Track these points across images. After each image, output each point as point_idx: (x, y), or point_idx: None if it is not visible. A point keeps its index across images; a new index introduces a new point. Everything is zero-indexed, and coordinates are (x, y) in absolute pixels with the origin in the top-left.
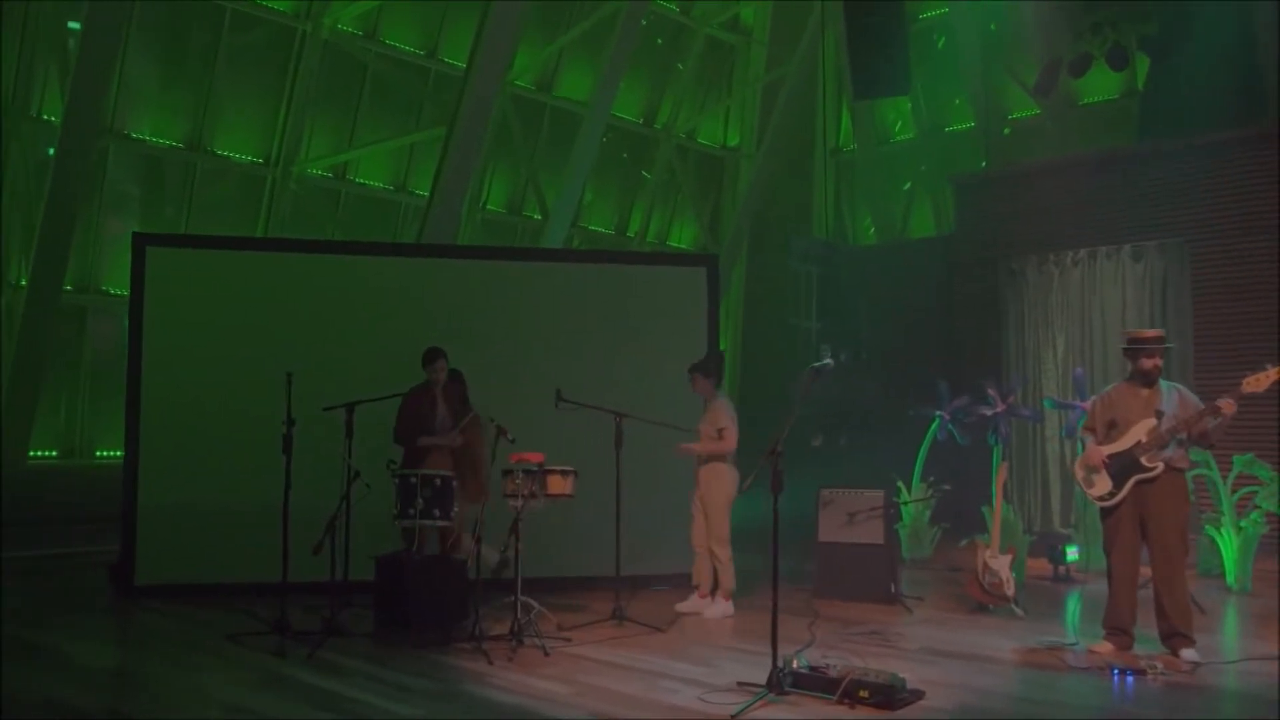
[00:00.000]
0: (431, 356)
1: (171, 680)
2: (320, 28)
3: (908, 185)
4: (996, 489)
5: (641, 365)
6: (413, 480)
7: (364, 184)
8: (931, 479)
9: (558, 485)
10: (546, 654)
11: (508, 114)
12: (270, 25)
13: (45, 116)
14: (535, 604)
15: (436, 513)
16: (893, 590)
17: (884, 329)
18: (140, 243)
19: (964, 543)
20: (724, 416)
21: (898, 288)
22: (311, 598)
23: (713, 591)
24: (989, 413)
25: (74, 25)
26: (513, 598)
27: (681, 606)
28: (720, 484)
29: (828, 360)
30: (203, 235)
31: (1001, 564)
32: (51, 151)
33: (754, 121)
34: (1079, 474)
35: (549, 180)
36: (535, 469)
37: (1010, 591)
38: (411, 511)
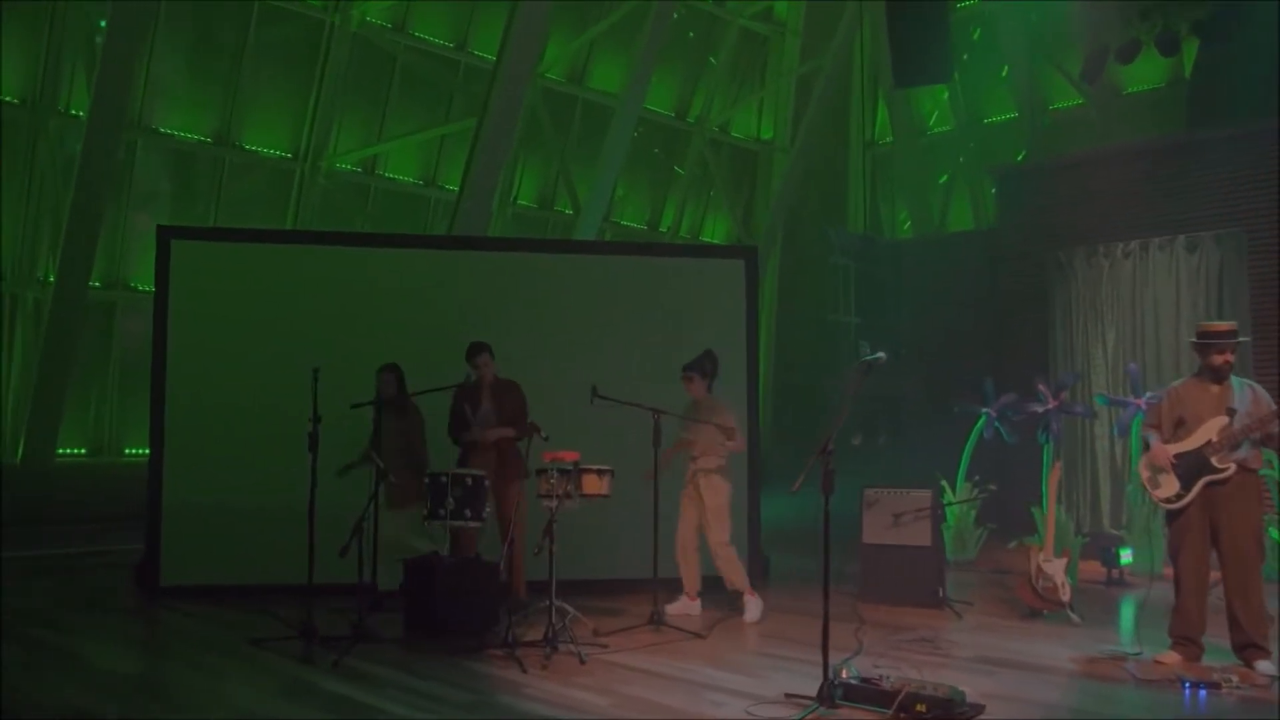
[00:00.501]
0: (472, 351)
1: (193, 686)
2: (349, 20)
3: (944, 178)
4: (1049, 489)
5: (678, 360)
6: (443, 479)
7: (393, 178)
8: (976, 478)
9: (594, 485)
10: (583, 662)
11: (538, 107)
12: (299, 18)
13: (74, 112)
14: (570, 608)
15: (468, 513)
16: (940, 594)
17: (923, 324)
18: (165, 236)
19: (1013, 545)
20: (728, 416)
21: (937, 282)
22: (338, 600)
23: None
24: (1040, 410)
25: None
26: (547, 602)
27: (672, 608)
28: (724, 484)
29: (879, 354)
30: (228, 228)
31: (1056, 568)
32: (80, 148)
33: (788, 114)
34: (1144, 474)
35: (580, 174)
36: (570, 468)
37: (1065, 597)
38: (442, 512)
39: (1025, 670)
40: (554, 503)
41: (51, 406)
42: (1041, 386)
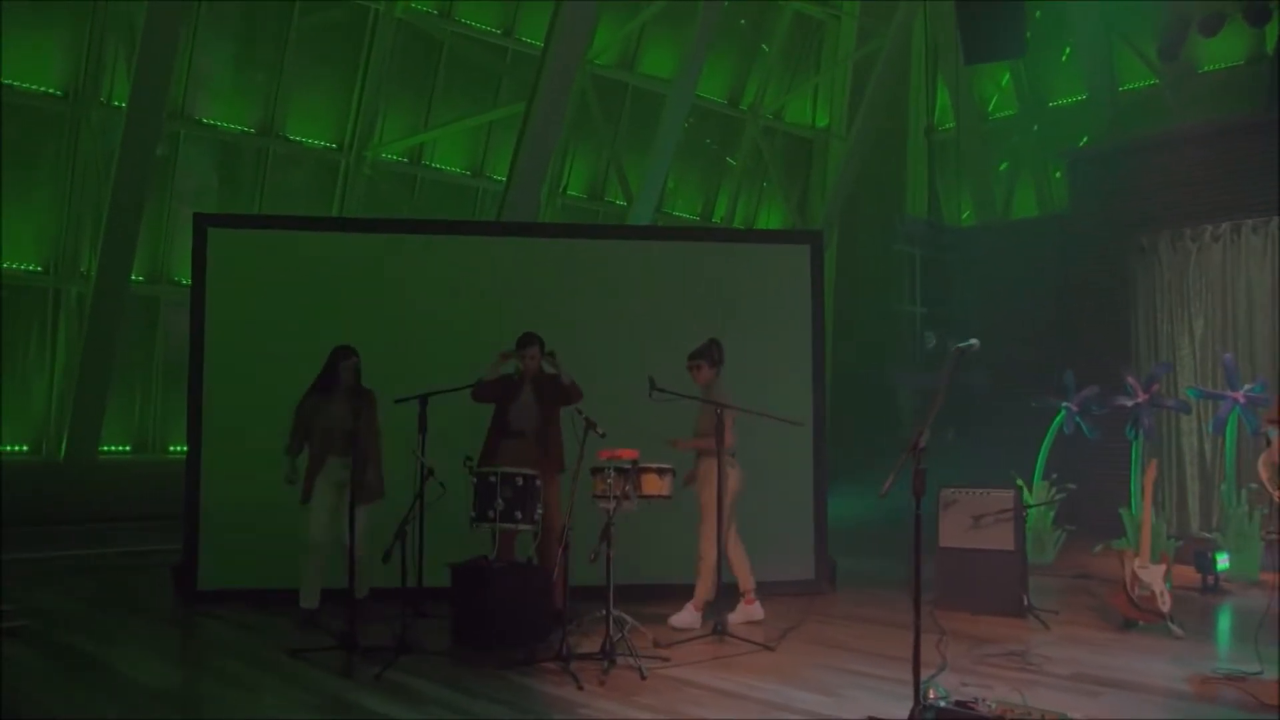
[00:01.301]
0: (524, 342)
1: (224, 702)
2: (394, 7)
3: (1004, 166)
4: (1145, 490)
5: (741, 351)
6: (492, 479)
7: (440, 169)
8: (1054, 476)
9: (653, 485)
10: (643, 677)
11: (587, 94)
12: (343, 5)
13: (116, 103)
14: (628, 618)
15: (518, 515)
16: (1024, 602)
17: (991, 314)
18: (201, 224)
19: (1098, 548)
20: (729, 413)
21: (1005, 270)
22: (382, 605)
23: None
24: (1128, 404)
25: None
26: (602, 611)
27: (734, 617)
28: (715, 483)
29: (973, 341)
30: (267, 215)
31: (1154, 575)
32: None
33: (844, 100)
34: (1263, 473)
35: (630, 164)
36: (628, 467)
37: (1165, 607)
38: (490, 514)
39: (1133, 691)
40: (611, 504)
41: (93, 403)
42: (1130, 379)
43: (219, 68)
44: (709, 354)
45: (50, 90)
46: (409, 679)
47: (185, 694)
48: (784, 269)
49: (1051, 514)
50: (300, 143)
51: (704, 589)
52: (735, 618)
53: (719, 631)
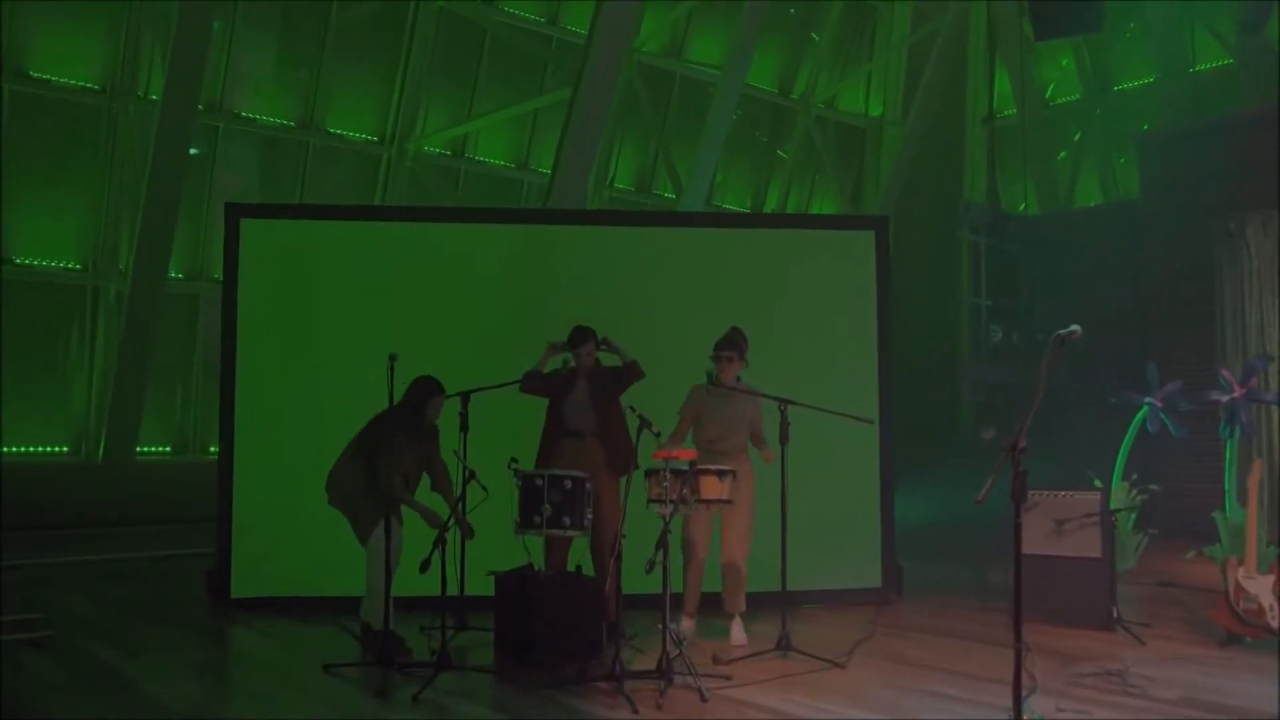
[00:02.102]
0: (577, 339)
1: None
2: None
3: (1063, 155)
4: (1250, 492)
5: (802, 343)
6: (539, 482)
7: (484, 161)
8: (1134, 477)
9: (713, 488)
10: (704, 699)
11: (635, 83)
12: None
13: (154, 97)
14: (686, 632)
15: (566, 520)
16: (1114, 614)
17: (1060, 305)
18: (233, 215)
19: (1189, 555)
20: (757, 407)
21: (1075, 260)
22: (421, 616)
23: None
24: (1222, 399)
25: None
26: (658, 625)
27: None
28: (751, 487)
29: (1074, 327)
30: (301, 204)
31: (1261, 587)
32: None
33: (899, 87)
34: None
35: (678, 155)
36: (686, 468)
37: (1276, 622)
38: (537, 519)
39: None
40: (668, 509)
41: (130, 403)
42: (1225, 373)
43: (258, 60)
44: (740, 345)
45: (87, 84)
46: (449, 699)
47: (208, 714)
48: (846, 257)
49: (1133, 517)
50: (341, 136)
51: (743, 598)
52: (686, 630)
53: (783, 647)
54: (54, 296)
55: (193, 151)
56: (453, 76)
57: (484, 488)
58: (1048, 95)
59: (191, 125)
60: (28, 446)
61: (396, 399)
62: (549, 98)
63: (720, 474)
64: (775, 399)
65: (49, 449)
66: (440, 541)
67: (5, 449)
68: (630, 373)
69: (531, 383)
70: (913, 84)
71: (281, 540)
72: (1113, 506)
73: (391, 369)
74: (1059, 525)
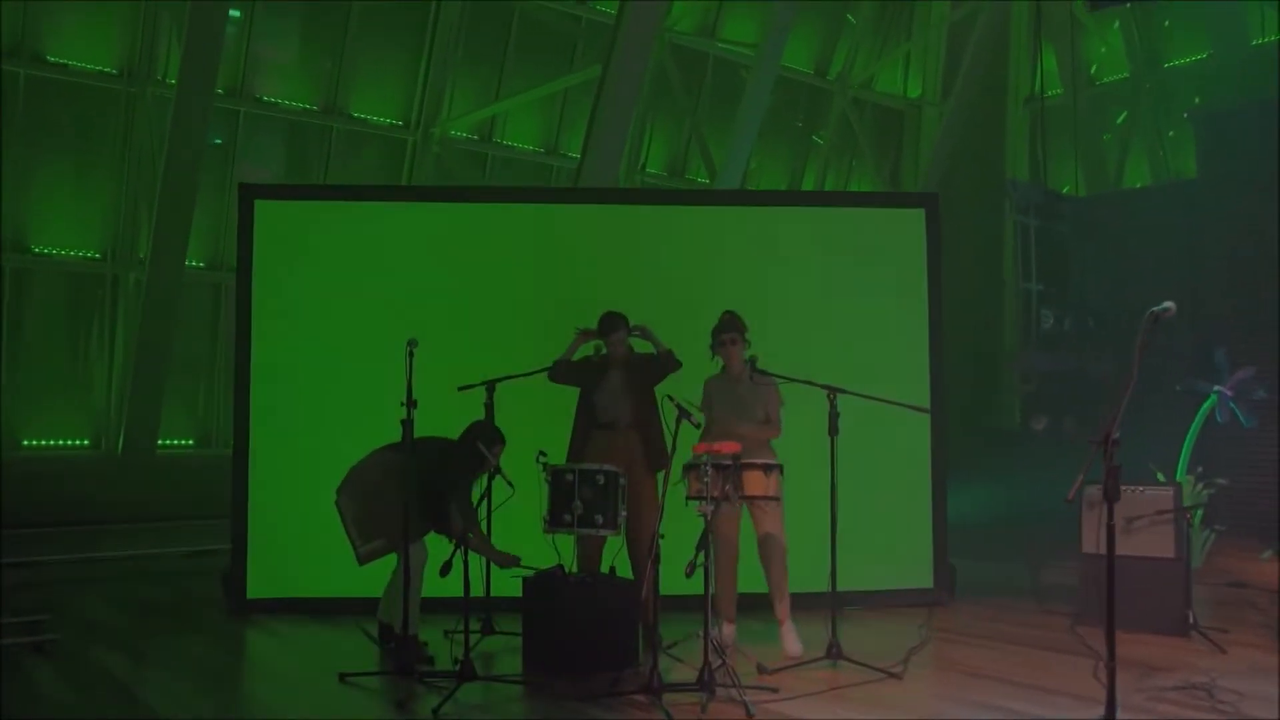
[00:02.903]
0: (608, 326)
1: None
2: None
3: (1107, 137)
4: None
5: (847, 328)
6: (569, 477)
7: (512, 145)
8: (1199, 470)
9: (758, 484)
10: (750, 714)
11: (667, 64)
12: None
13: (172, 81)
14: (729, 640)
15: (599, 518)
16: (1190, 619)
17: (1113, 290)
18: (247, 195)
19: (1266, 554)
20: (776, 396)
21: (1128, 241)
22: (445, 619)
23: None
24: None
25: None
26: (699, 633)
27: (728, 639)
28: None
29: (1168, 304)
30: (318, 185)
31: None
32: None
33: (939, 67)
34: None
35: (712, 139)
36: (729, 462)
37: None
38: (567, 517)
39: None
40: (709, 507)
41: (150, 394)
42: None
43: (280, 43)
44: (742, 327)
45: (104, 69)
46: (472, 713)
47: None
48: (894, 236)
49: (1199, 513)
50: (365, 120)
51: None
52: (726, 637)
53: (833, 656)
54: (73, 286)
55: (216, 141)
56: (479, 58)
57: (510, 484)
58: (1093, 73)
59: (207, 109)
60: (49, 440)
61: (415, 387)
62: (578, 76)
63: (766, 468)
64: (824, 387)
65: (70, 442)
66: (463, 542)
67: (26, 442)
68: (666, 363)
69: (561, 372)
70: (953, 64)
71: (300, 538)
72: (1191, 505)
73: (410, 355)
74: (1129, 523)
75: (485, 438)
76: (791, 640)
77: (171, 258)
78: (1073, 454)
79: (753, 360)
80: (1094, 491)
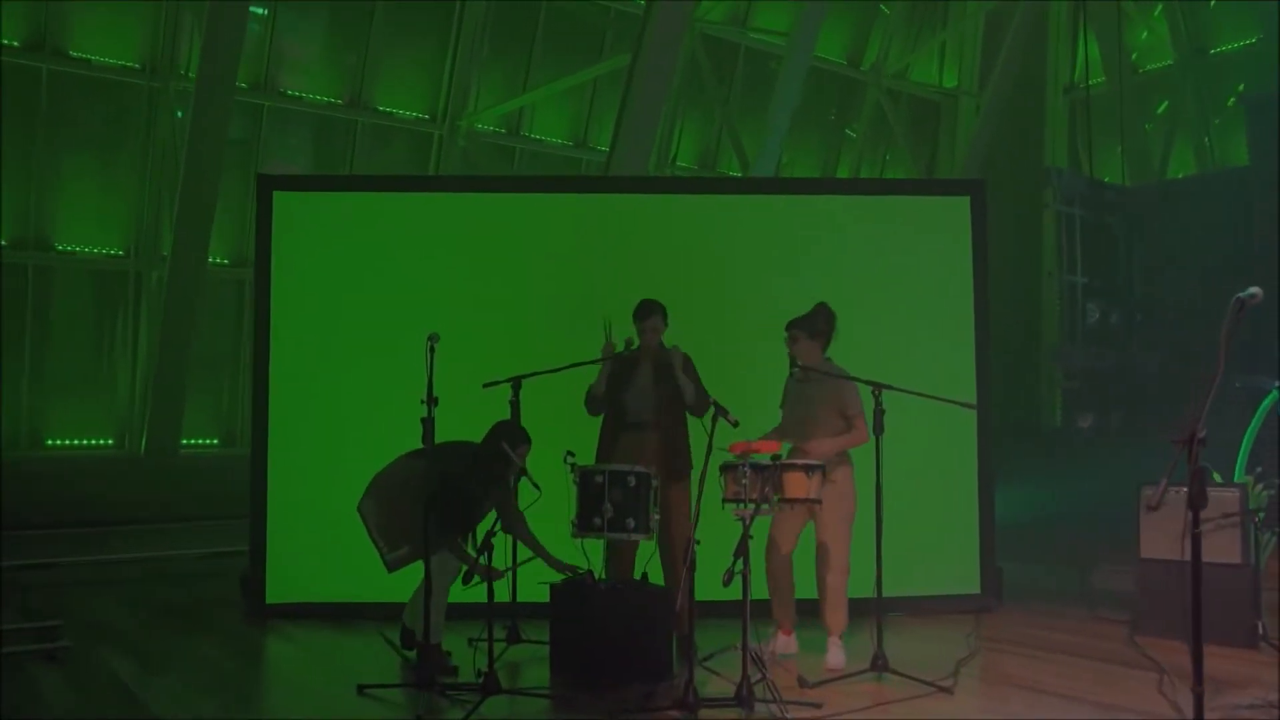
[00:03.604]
0: (643, 312)
1: None
2: None
3: (1149, 126)
4: None
5: (889, 321)
6: (599, 479)
7: (540, 139)
8: (1258, 470)
9: (799, 486)
10: None
11: (698, 55)
12: None
13: (194, 75)
14: (788, 652)
15: (630, 522)
16: (1260, 630)
17: (1162, 283)
18: (265, 187)
19: None
20: (853, 397)
21: (1176, 232)
22: (470, 627)
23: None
24: None
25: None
26: (737, 645)
27: (778, 647)
28: (846, 493)
29: (1254, 290)
30: (339, 175)
31: None
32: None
33: (975, 57)
34: None
35: (744, 132)
36: (768, 463)
37: None
38: (597, 521)
39: None
40: (748, 511)
41: (172, 392)
42: None
43: (304, 36)
44: (813, 323)
45: (128, 63)
46: None
47: None
48: (937, 225)
49: (1260, 514)
50: (391, 114)
51: (844, 618)
52: (782, 648)
53: (879, 668)
54: (97, 284)
55: (238, 138)
56: (506, 50)
57: (536, 486)
58: (1143, 60)
59: (228, 105)
60: (73, 439)
61: (436, 383)
62: (607, 65)
63: (808, 469)
64: (868, 383)
65: (94, 441)
66: (486, 548)
67: (49, 441)
68: (696, 410)
69: (594, 405)
70: (990, 53)
71: (321, 540)
72: (1257, 507)
73: (431, 350)
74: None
75: (510, 438)
76: (835, 652)
77: (193, 254)
78: (1120, 452)
79: (793, 356)
80: (1152, 492)
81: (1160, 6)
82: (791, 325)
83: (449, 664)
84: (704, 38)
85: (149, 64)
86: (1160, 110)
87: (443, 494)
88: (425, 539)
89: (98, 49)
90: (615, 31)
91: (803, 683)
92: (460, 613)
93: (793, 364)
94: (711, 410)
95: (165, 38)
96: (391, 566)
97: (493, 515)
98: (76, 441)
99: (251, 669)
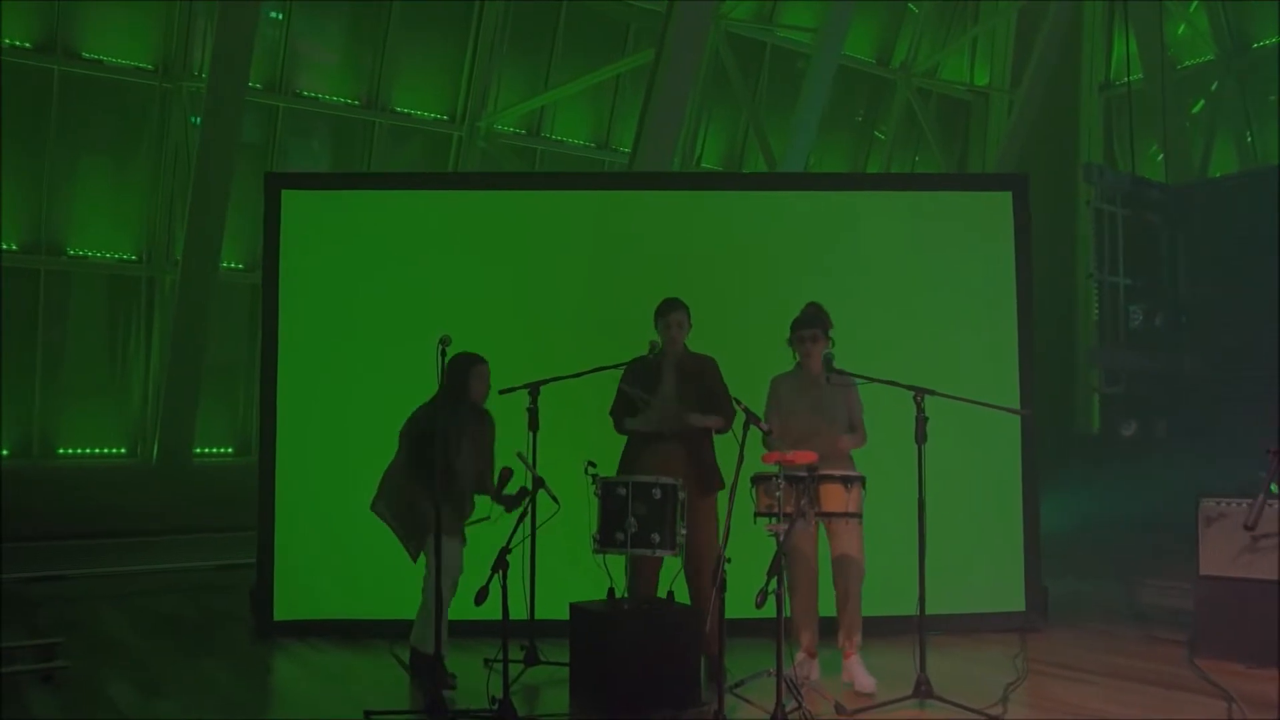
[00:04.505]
0: (665, 309)
1: None
2: None
3: (1186, 123)
4: None
5: (926, 323)
6: (622, 491)
7: (561, 140)
8: None
9: (837, 499)
10: None
11: (723, 54)
12: None
13: (207, 76)
14: (812, 675)
15: (655, 537)
16: None
17: (1207, 284)
18: (274, 186)
19: None
20: (859, 399)
21: (1221, 231)
22: (485, 647)
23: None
24: None
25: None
26: (770, 671)
27: (804, 671)
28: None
29: None
30: (346, 174)
31: None
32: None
33: (1008, 54)
34: None
35: (771, 133)
36: (804, 475)
37: None
38: (619, 536)
39: None
40: (782, 526)
41: (184, 400)
42: None
43: (321, 36)
44: (826, 323)
45: (140, 64)
46: None
47: None
48: (976, 223)
49: None
50: (410, 115)
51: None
52: (810, 672)
53: (922, 694)
54: (110, 289)
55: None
56: (526, 49)
57: (555, 498)
58: (1182, 56)
59: (239, 107)
60: (85, 448)
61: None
62: (629, 62)
63: (846, 481)
64: (910, 388)
65: (107, 450)
66: (501, 565)
67: (61, 450)
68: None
69: (620, 423)
70: (1023, 50)
71: (330, 555)
72: None
73: (442, 354)
74: (1255, 541)
75: (461, 365)
76: (861, 674)
77: (205, 258)
78: (1168, 460)
79: (828, 358)
80: (1211, 505)
81: (1197, 2)
82: (809, 325)
83: (449, 681)
84: (729, 36)
85: (162, 65)
86: (1195, 109)
87: (418, 448)
88: (437, 530)
89: (110, 50)
90: (638, 28)
91: (840, 709)
92: (475, 631)
93: (828, 368)
94: (742, 417)
95: (178, 38)
96: (416, 556)
97: (501, 514)
98: (88, 450)
99: (257, 691)
